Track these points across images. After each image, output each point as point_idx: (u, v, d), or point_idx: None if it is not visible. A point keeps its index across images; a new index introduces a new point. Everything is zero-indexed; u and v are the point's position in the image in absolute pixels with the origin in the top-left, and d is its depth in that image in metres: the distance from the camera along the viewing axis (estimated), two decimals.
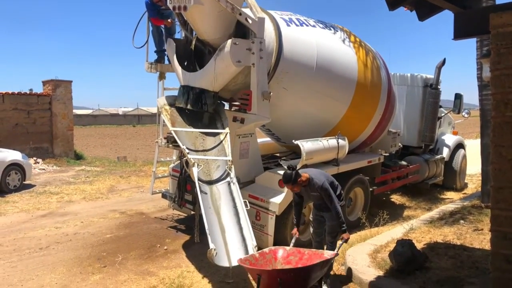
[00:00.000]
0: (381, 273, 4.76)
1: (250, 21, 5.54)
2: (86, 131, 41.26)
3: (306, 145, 5.98)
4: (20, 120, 14.12)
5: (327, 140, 6.41)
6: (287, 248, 4.34)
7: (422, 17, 5.10)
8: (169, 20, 6.58)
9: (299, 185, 4.53)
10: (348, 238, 4.59)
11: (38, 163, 13.69)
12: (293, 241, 4.55)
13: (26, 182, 10.45)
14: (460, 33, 4.50)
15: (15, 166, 10.01)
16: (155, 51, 6.95)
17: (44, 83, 15.31)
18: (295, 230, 4.75)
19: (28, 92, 14.80)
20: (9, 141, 13.14)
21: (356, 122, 7.21)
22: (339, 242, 4.50)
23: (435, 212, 7.72)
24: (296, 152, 7.02)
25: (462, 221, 6.82)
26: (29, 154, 12.93)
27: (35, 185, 10.66)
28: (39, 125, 14.62)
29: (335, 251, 4.32)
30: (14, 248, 6.07)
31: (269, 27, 5.93)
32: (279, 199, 5.58)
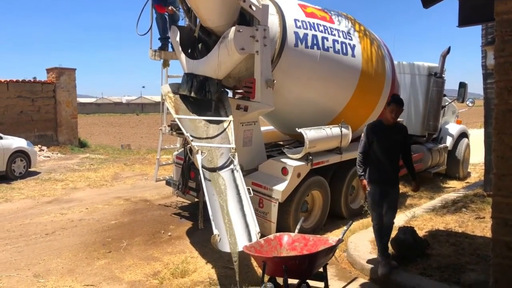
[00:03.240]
0: None
1: (254, 8, 5.52)
2: (90, 119, 41.36)
3: (309, 133, 6.00)
4: (25, 108, 14.19)
5: (331, 129, 6.43)
6: (292, 234, 4.38)
7: (426, 4, 5.06)
8: (170, 8, 6.56)
9: None
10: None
11: (43, 150, 13.79)
12: (298, 227, 4.59)
13: (31, 169, 10.56)
14: (464, 20, 4.48)
15: (20, 154, 10.11)
16: (159, 39, 6.94)
17: (48, 71, 15.35)
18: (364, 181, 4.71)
19: (32, 80, 14.83)
20: (14, 129, 13.23)
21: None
22: (343, 228, 4.54)
23: (437, 201, 7.75)
24: (299, 140, 7.04)
25: (464, 209, 6.85)
26: (34, 141, 13.03)
27: (40, 172, 10.76)
28: (44, 112, 14.69)
29: (340, 237, 4.35)
30: (21, 234, 6.17)
31: (273, 15, 5.91)
32: (282, 187, 5.62)
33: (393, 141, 4.62)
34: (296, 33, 6.08)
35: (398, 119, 7.80)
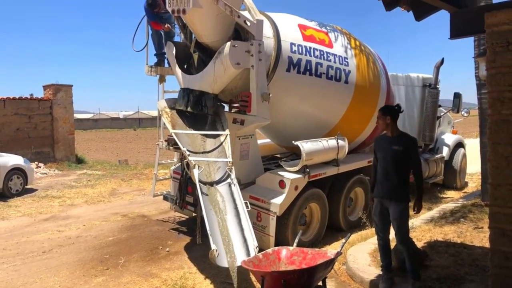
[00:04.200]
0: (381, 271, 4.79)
1: (248, 24, 5.58)
2: (87, 135, 41.33)
3: (306, 145, 6.01)
4: (22, 125, 14.17)
5: (327, 141, 6.45)
6: (290, 248, 4.36)
7: (418, 17, 5.15)
8: (166, 26, 6.63)
9: None
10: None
11: (40, 167, 13.74)
12: (296, 240, 4.57)
13: (28, 186, 10.50)
14: (456, 32, 4.55)
15: (17, 171, 10.07)
16: (155, 54, 7.00)
17: (45, 87, 15.37)
18: None
19: (29, 97, 14.83)
20: (10, 146, 13.19)
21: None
22: (342, 241, 4.52)
23: (435, 211, 7.75)
24: (296, 153, 7.06)
25: (462, 220, 6.85)
26: (31, 158, 12.99)
27: (37, 189, 10.70)
28: (40, 129, 14.68)
29: (338, 250, 4.33)
30: (17, 252, 6.12)
31: (267, 29, 5.98)
32: (280, 200, 5.61)
33: (391, 152, 4.44)
34: (290, 58, 6.08)
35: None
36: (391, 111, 4.53)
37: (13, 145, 13.40)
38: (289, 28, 6.31)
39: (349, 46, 7.03)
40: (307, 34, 6.47)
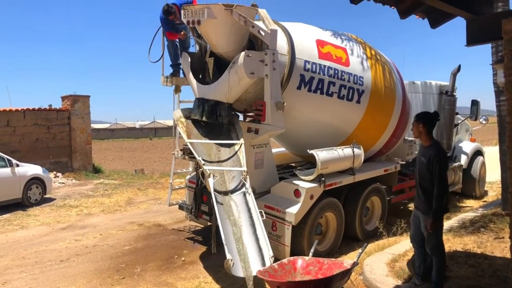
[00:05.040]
0: (399, 282, 4.72)
1: (262, 33, 5.61)
2: (104, 144, 41.87)
3: (321, 154, 5.99)
4: (41, 135, 14.45)
5: (342, 149, 6.41)
6: (306, 258, 4.33)
7: (434, 24, 5.11)
8: (182, 33, 6.71)
9: None
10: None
11: (58, 177, 13.96)
12: (312, 250, 4.54)
13: (47, 195, 10.68)
14: (473, 39, 4.49)
15: (36, 180, 10.25)
16: (170, 65, 7.10)
17: (63, 98, 15.67)
18: None
19: (47, 107, 15.15)
20: (30, 156, 13.45)
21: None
22: (359, 251, 4.46)
23: (454, 221, 7.60)
24: (311, 162, 7.03)
25: (482, 229, 6.69)
26: (49, 168, 13.21)
27: (55, 199, 10.87)
28: (59, 139, 14.93)
29: (355, 260, 4.27)
30: (36, 261, 6.20)
31: (283, 45, 5.99)
32: (295, 209, 5.58)
33: (419, 162, 4.39)
34: (302, 76, 6.06)
35: (411, 138, 7.48)
36: (424, 118, 4.36)
37: (32, 155, 13.66)
38: (305, 44, 6.24)
39: (364, 57, 6.97)
40: (323, 52, 6.36)
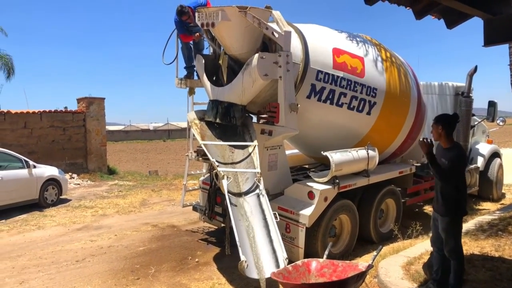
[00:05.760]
0: (415, 285, 4.66)
1: (276, 35, 5.61)
2: (118, 146, 42.31)
3: (335, 156, 5.95)
4: (57, 137, 14.65)
5: (357, 151, 6.36)
6: (321, 260, 4.31)
7: (450, 25, 5.05)
8: (196, 34, 6.75)
9: None
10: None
11: (74, 178, 14.15)
12: (326, 252, 4.51)
13: (63, 196, 10.82)
14: (490, 40, 4.43)
15: (52, 182, 10.39)
16: (184, 67, 7.14)
17: (78, 100, 15.87)
18: None
19: (63, 109, 15.35)
20: (46, 157, 13.65)
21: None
22: (373, 253, 4.43)
23: (471, 223, 7.48)
24: (325, 164, 7.00)
25: (500, 233, 6.58)
26: (65, 169, 13.39)
27: (70, 200, 11.01)
28: (74, 141, 15.13)
29: (370, 262, 4.24)
30: (52, 261, 6.29)
31: (295, 40, 5.99)
32: (309, 211, 5.56)
33: (441, 164, 4.32)
34: (313, 85, 6.01)
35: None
36: (443, 120, 4.33)
37: (48, 157, 13.86)
38: (321, 53, 6.14)
39: (380, 59, 6.90)
40: (339, 61, 6.26)
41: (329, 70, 6.14)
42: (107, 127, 18.52)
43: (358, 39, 6.91)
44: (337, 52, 6.32)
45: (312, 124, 6.45)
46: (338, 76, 6.21)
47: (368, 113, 6.66)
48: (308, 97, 6.04)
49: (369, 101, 6.60)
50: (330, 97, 6.21)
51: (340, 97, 6.31)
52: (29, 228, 8.26)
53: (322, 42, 6.34)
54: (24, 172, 9.78)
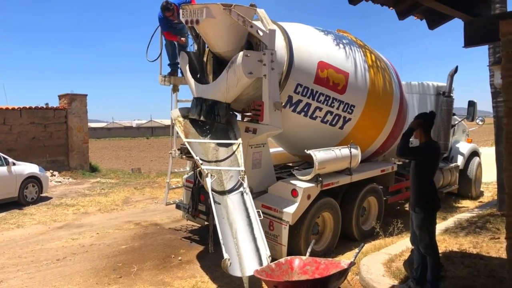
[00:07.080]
0: (396, 282, 4.74)
1: (261, 33, 5.61)
2: (100, 143, 41.78)
3: (318, 154, 5.99)
4: (37, 134, 14.40)
5: (340, 150, 6.42)
6: (303, 257, 4.34)
7: (432, 25, 5.13)
8: (181, 39, 6.71)
9: None
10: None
11: (55, 175, 13.93)
12: (309, 250, 4.54)
13: (43, 194, 10.64)
14: (470, 41, 4.51)
15: (32, 179, 10.21)
16: (168, 64, 7.09)
17: (60, 97, 15.63)
18: None
19: (44, 106, 15.09)
20: (26, 155, 13.40)
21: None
22: (355, 251, 4.48)
23: (450, 221, 7.63)
24: (308, 162, 7.04)
25: (478, 230, 6.73)
26: (46, 167, 13.16)
27: (51, 198, 10.84)
28: (55, 138, 14.89)
29: (352, 260, 4.29)
30: (32, 260, 6.18)
31: (279, 39, 6.00)
32: (293, 209, 5.59)
33: (414, 159, 4.59)
34: (289, 97, 6.03)
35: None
36: (422, 116, 4.54)
37: (28, 154, 13.61)
38: (305, 65, 6.10)
39: (365, 67, 6.89)
40: (322, 76, 6.22)
41: (309, 84, 6.13)
42: (89, 124, 18.27)
43: (345, 43, 6.84)
44: (322, 66, 6.24)
45: (295, 123, 6.47)
46: (316, 91, 6.22)
47: (341, 128, 6.75)
48: (284, 106, 6.00)
49: (344, 117, 6.67)
50: (305, 109, 6.24)
51: (315, 111, 6.34)
52: (8, 226, 8.10)
53: (310, 53, 6.25)
54: (3, 169, 9.59)
